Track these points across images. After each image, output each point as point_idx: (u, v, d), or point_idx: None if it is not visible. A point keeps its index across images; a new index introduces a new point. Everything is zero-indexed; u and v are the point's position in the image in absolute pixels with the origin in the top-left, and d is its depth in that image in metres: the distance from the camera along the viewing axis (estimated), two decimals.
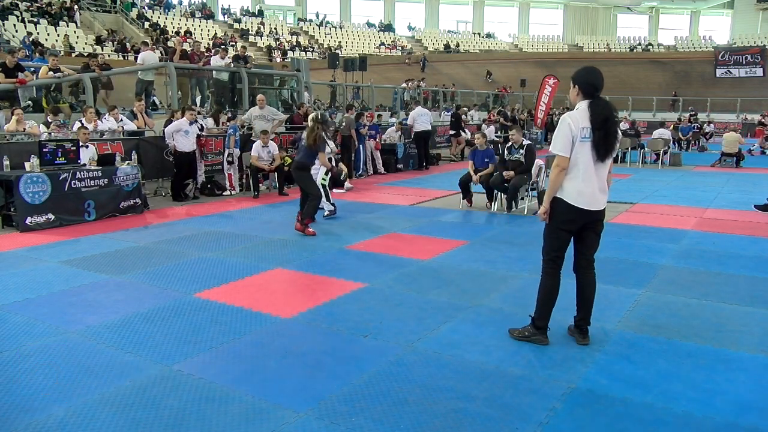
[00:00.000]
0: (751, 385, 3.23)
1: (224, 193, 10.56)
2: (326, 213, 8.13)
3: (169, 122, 10.45)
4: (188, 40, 19.60)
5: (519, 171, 8.42)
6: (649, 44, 49.06)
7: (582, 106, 3.54)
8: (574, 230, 3.66)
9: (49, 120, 9.48)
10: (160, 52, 19.80)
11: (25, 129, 9.03)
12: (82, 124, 9.24)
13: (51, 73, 11.30)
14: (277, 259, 5.94)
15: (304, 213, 7.08)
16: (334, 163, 9.11)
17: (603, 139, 3.48)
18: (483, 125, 18.26)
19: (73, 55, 21.43)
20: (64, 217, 7.67)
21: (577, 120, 3.49)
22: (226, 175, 10.77)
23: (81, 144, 8.41)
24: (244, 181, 10.98)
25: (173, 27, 31.80)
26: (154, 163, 10.10)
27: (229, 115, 11.52)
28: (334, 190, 10.78)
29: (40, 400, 3.06)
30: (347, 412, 2.94)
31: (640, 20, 52.69)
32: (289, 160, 11.21)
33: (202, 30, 33.02)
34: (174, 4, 36.67)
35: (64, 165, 7.94)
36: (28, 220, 7.35)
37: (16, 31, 23.74)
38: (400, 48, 42.86)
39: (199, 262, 5.86)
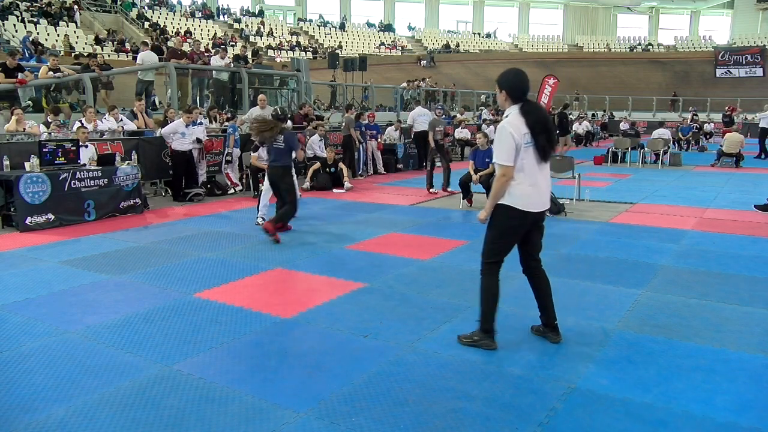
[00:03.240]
0: (751, 385, 3.23)
1: (229, 192, 10.60)
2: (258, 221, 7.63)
3: (164, 123, 10.47)
4: (188, 40, 19.57)
5: None
6: (649, 44, 49.06)
7: (514, 111, 3.51)
8: (522, 233, 3.65)
9: (49, 120, 9.48)
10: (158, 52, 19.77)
11: (25, 129, 9.03)
12: (82, 124, 9.25)
13: (51, 73, 11.30)
14: (277, 259, 5.94)
15: (279, 217, 6.87)
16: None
17: (546, 141, 3.49)
18: (483, 125, 18.26)
19: (73, 55, 21.43)
20: (64, 217, 7.67)
21: (517, 127, 3.46)
22: (224, 174, 10.80)
23: (81, 144, 8.41)
24: (244, 181, 10.99)
25: (173, 27, 31.81)
26: (153, 163, 10.11)
27: (229, 114, 11.53)
28: (334, 190, 10.82)
29: (40, 400, 3.06)
30: (347, 411, 2.94)
31: (640, 20, 52.71)
32: None
33: (202, 30, 33.02)
34: (174, 4, 36.70)
35: (64, 165, 7.94)
36: (28, 220, 7.35)
37: (16, 31, 23.74)
38: (400, 48, 42.86)
39: (199, 262, 5.86)
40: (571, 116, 25.96)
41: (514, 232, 3.62)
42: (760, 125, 18.15)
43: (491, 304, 3.66)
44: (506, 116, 3.55)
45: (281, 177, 6.93)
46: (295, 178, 8.10)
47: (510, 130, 3.46)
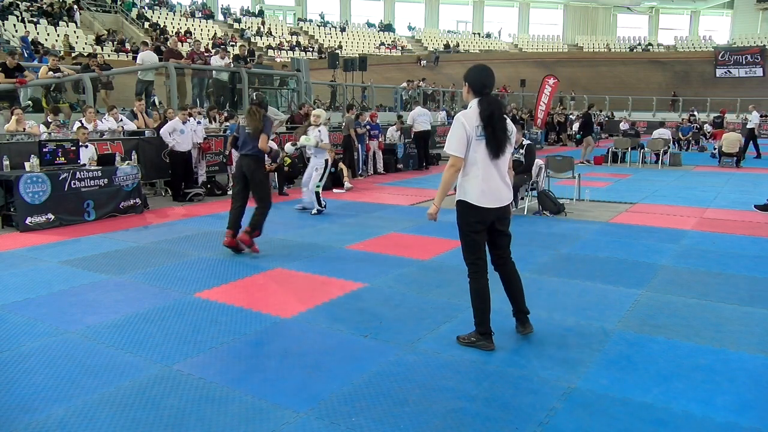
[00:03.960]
0: (751, 385, 3.23)
1: (228, 192, 10.60)
2: (314, 211, 8.48)
3: (164, 122, 10.48)
4: (188, 40, 19.57)
5: (519, 171, 8.41)
6: (649, 44, 49.08)
7: (473, 104, 3.55)
8: (485, 229, 3.65)
9: (49, 120, 9.48)
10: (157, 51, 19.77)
11: (25, 129, 9.03)
12: (82, 124, 9.25)
13: (51, 73, 11.30)
14: (277, 259, 5.94)
15: (254, 223, 6.09)
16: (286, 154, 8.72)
17: (492, 135, 3.49)
18: None
19: (73, 54, 21.42)
20: (64, 217, 7.67)
21: (470, 118, 3.50)
22: (230, 175, 10.83)
23: (81, 144, 8.41)
24: None
25: (173, 27, 31.81)
26: (153, 163, 10.11)
27: (226, 114, 11.53)
28: (334, 190, 10.82)
29: (40, 400, 3.06)
30: (347, 412, 2.94)
31: (640, 20, 52.72)
32: (289, 161, 11.22)
33: (202, 30, 33.02)
34: (174, 4, 36.70)
35: (64, 165, 7.94)
36: (28, 220, 7.35)
37: (16, 31, 23.74)
38: (400, 48, 42.86)
39: (199, 262, 5.86)
40: (571, 115, 25.98)
41: (476, 229, 3.62)
42: (747, 126, 18.26)
43: (482, 306, 3.65)
44: (468, 108, 3.59)
45: (252, 170, 6.02)
46: (322, 172, 8.32)
47: (462, 120, 3.50)
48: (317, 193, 8.49)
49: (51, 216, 7.55)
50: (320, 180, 8.49)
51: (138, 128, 10.63)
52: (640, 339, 3.86)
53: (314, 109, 11.22)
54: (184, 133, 9.82)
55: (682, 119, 24.00)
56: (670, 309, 4.43)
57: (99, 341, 3.84)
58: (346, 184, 11.04)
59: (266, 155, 6.23)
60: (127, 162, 8.82)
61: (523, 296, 3.82)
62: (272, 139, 10.64)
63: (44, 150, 7.80)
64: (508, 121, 3.62)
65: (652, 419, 2.87)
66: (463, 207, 3.60)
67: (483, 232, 3.65)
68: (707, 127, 24.11)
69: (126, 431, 2.78)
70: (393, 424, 2.82)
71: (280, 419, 2.87)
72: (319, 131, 8.49)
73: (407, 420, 2.86)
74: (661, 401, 3.04)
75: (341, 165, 11.43)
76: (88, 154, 8.54)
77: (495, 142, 3.50)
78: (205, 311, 4.41)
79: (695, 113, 26.97)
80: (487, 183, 3.54)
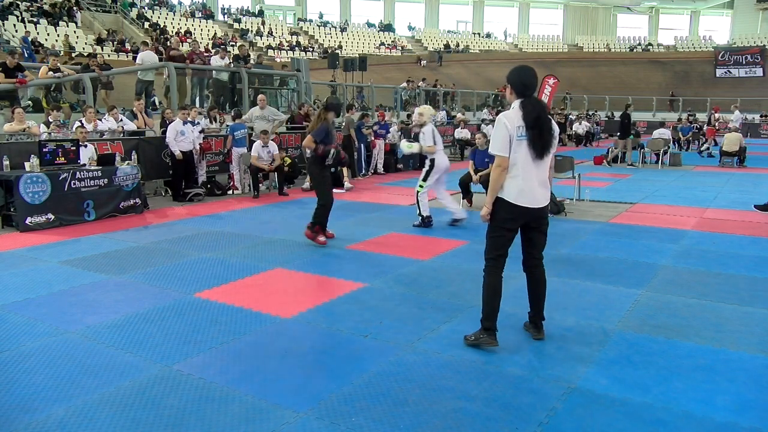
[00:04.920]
0: (751, 385, 3.23)
1: (228, 192, 10.63)
2: (415, 223, 7.53)
3: (163, 123, 10.48)
4: (188, 40, 19.54)
5: None
6: (649, 44, 49.09)
7: (515, 105, 3.57)
8: (517, 228, 3.67)
9: (50, 120, 9.47)
10: (156, 51, 19.76)
11: (25, 129, 9.03)
12: (82, 123, 9.24)
13: (51, 73, 11.30)
14: (277, 259, 5.94)
15: (314, 219, 6.50)
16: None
17: (538, 137, 3.50)
18: (482, 125, 18.27)
19: (73, 54, 21.42)
20: (63, 217, 7.68)
21: (512, 119, 3.52)
22: (230, 174, 10.84)
23: (80, 144, 8.41)
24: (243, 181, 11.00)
25: (173, 27, 31.81)
26: (153, 163, 10.10)
27: (233, 114, 11.54)
28: (334, 190, 10.79)
29: (40, 400, 3.06)
30: (347, 411, 2.94)
31: (640, 20, 52.72)
32: (289, 161, 11.23)
33: (202, 30, 33.03)
34: (174, 4, 36.72)
35: (64, 165, 7.94)
36: (28, 220, 7.35)
37: (16, 31, 23.74)
38: (400, 48, 42.87)
39: (199, 262, 5.86)
40: (571, 116, 25.97)
41: (507, 226, 3.63)
42: (730, 126, 18.39)
43: (492, 302, 3.66)
44: (511, 109, 3.60)
45: (308, 168, 6.98)
46: (424, 172, 7.32)
47: (504, 121, 3.52)
48: (417, 193, 7.48)
49: (51, 216, 7.55)
50: (423, 180, 7.47)
51: (138, 128, 10.62)
52: (640, 339, 3.86)
53: (314, 110, 11.18)
54: (184, 134, 9.81)
55: (680, 119, 24.02)
56: (670, 309, 4.43)
57: (99, 341, 3.84)
58: (346, 184, 11.03)
59: (317, 153, 6.41)
60: (127, 162, 8.82)
61: (544, 303, 3.83)
62: (272, 140, 10.65)
63: (44, 150, 7.81)
64: (553, 122, 3.63)
65: (652, 419, 2.87)
66: (500, 203, 3.62)
67: (512, 232, 3.67)
68: (707, 127, 24.10)
69: (126, 431, 2.78)
70: (393, 424, 2.82)
71: (280, 419, 2.88)
72: (423, 133, 7.43)
73: (407, 420, 2.86)
74: (661, 401, 3.04)
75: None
76: (88, 154, 8.54)
77: (541, 143, 3.52)
78: (205, 311, 4.41)
79: (692, 114, 27.00)
80: (526, 183, 3.56)
